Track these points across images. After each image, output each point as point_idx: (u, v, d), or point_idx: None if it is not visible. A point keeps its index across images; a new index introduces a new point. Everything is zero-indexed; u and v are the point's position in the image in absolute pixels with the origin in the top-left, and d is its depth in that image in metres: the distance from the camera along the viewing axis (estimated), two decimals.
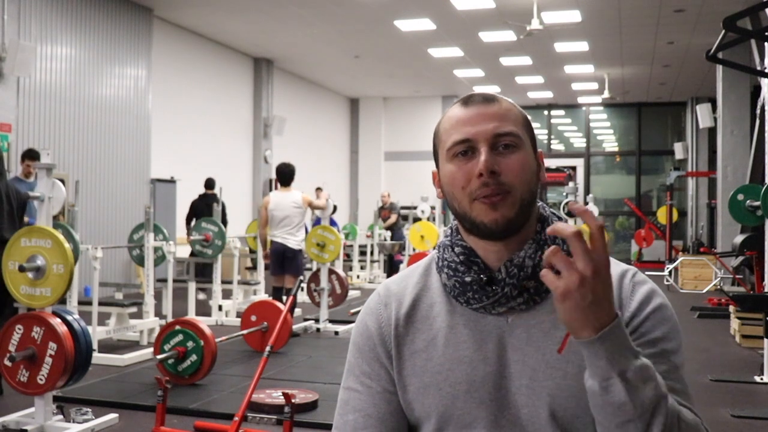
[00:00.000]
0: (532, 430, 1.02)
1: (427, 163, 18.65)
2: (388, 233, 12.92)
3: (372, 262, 13.23)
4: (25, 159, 6.86)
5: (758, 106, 9.50)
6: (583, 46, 13.12)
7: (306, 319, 7.76)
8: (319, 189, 15.06)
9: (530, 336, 1.05)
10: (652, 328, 1.03)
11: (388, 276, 11.80)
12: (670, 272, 11.97)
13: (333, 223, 8.10)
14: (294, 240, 7.10)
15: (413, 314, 1.12)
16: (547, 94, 18.22)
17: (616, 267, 1.08)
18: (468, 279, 1.07)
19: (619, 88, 16.87)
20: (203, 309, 8.13)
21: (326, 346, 6.63)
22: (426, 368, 1.08)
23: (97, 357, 5.43)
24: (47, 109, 9.24)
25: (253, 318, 6.14)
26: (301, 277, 6.60)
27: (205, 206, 9.56)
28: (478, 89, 17.70)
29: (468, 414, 1.04)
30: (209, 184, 10.15)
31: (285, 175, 7.20)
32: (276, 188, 14.64)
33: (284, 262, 7.10)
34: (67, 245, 3.89)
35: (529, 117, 1.13)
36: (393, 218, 13.12)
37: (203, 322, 5.16)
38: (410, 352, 1.09)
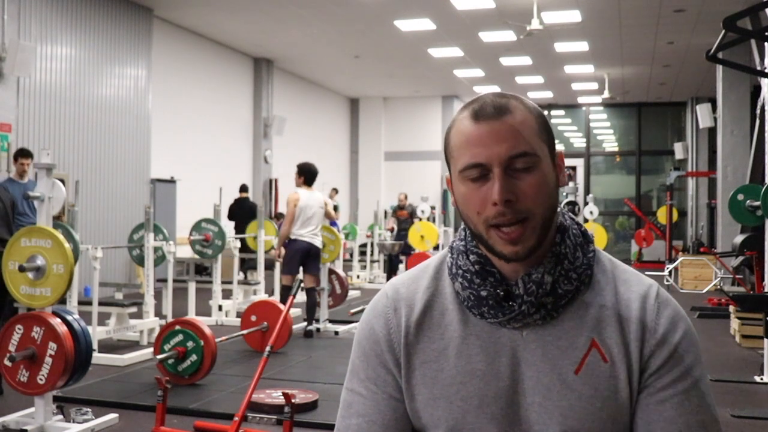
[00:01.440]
0: None
1: (427, 163, 18.69)
2: (388, 233, 12.91)
3: (372, 262, 13.23)
4: (19, 158, 6.77)
5: (758, 106, 9.50)
6: (583, 46, 13.12)
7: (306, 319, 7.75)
8: (334, 190, 15.16)
9: (545, 352, 1.01)
10: (681, 359, 1.00)
11: (389, 276, 11.80)
12: (670, 272, 11.97)
13: (333, 223, 8.12)
14: (318, 240, 7.11)
15: (424, 321, 1.07)
16: (547, 94, 18.22)
17: (639, 285, 1.05)
18: (484, 293, 1.03)
19: (619, 88, 16.87)
20: (203, 309, 8.14)
21: (326, 346, 6.63)
22: (437, 379, 1.04)
23: (97, 357, 5.43)
24: (47, 109, 9.24)
25: (253, 318, 6.14)
26: (300, 277, 6.61)
27: (239, 209, 11.31)
28: (479, 89, 17.72)
29: (478, 429, 1.02)
30: (243, 188, 11.86)
31: (313, 175, 7.11)
32: (274, 188, 14.75)
33: (307, 261, 7.06)
34: (67, 245, 3.89)
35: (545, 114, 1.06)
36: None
37: (203, 322, 5.17)
38: (420, 362, 1.06)
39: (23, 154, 6.76)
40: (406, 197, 13.48)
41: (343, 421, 1.09)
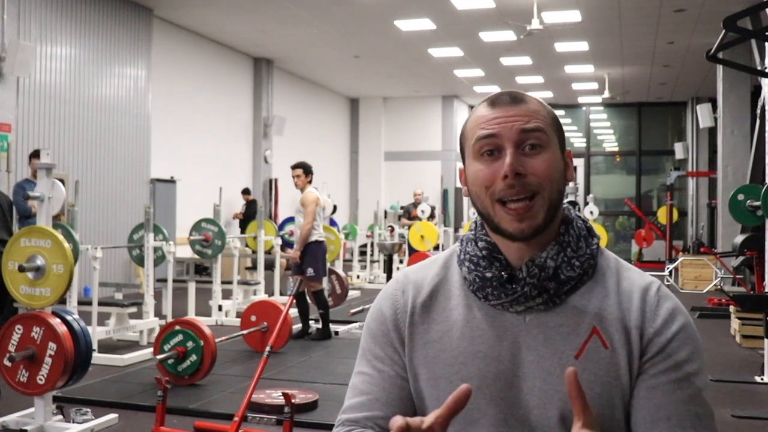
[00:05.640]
0: None
1: (427, 163, 18.69)
2: (387, 232, 12.89)
3: (372, 262, 13.22)
4: (32, 158, 6.95)
5: (758, 106, 9.50)
6: (583, 46, 13.12)
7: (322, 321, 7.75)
8: None
9: (547, 337, 1.03)
10: (677, 350, 1.01)
11: (388, 277, 11.79)
12: (670, 272, 11.97)
13: (333, 223, 8.11)
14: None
15: (430, 304, 1.10)
16: (547, 94, 18.20)
17: (641, 280, 1.07)
18: (489, 275, 1.05)
19: (619, 88, 16.87)
20: (203, 309, 8.13)
21: (326, 346, 6.63)
22: (438, 359, 1.07)
23: (97, 357, 5.43)
24: (47, 109, 9.23)
25: (253, 318, 6.14)
26: (300, 278, 6.60)
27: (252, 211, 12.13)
28: (479, 89, 17.73)
29: (477, 410, 1.03)
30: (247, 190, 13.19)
31: (312, 172, 7.03)
32: (274, 188, 14.74)
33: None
34: (67, 245, 3.89)
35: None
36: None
37: (203, 322, 5.16)
38: (423, 342, 1.09)
39: (37, 155, 6.88)
40: (422, 193, 13.12)
41: (347, 402, 1.12)
